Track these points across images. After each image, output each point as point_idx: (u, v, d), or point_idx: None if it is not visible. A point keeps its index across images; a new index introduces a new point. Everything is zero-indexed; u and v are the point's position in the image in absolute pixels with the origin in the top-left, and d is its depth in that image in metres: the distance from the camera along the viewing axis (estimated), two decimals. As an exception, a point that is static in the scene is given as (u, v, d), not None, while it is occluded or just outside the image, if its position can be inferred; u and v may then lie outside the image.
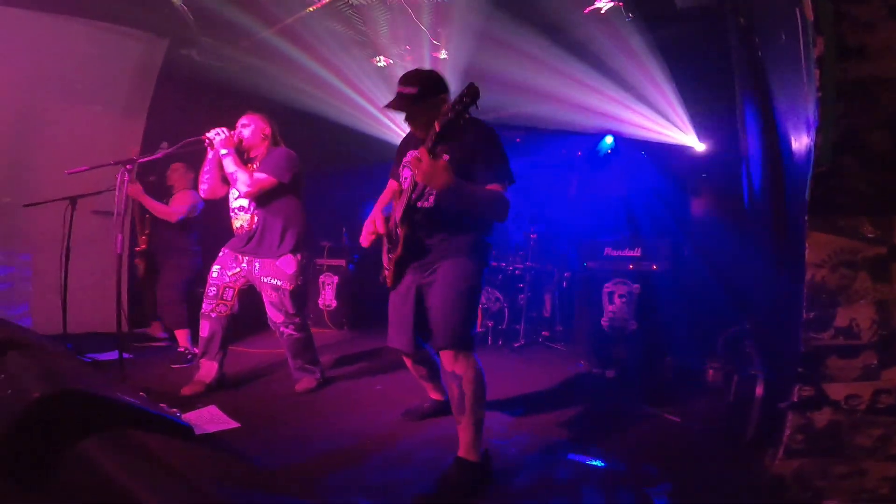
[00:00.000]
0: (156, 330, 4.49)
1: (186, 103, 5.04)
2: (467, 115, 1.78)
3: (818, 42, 1.63)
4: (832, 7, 1.59)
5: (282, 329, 3.12)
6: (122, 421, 1.46)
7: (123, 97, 4.83)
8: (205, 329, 3.11)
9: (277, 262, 3.05)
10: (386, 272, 2.28)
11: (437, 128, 1.81)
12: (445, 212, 2.06)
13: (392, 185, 2.50)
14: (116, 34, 4.62)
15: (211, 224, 4.11)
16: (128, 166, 2.79)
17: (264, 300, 3.11)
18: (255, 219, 3.07)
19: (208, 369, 3.11)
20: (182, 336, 3.89)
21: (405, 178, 2.20)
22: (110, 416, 1.48)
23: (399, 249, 2.13)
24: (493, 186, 2.02)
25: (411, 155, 2.15)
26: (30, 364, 1.80)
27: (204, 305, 3.12)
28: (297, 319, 3.12)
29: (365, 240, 2.30)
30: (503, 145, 2.11)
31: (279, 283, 3.05)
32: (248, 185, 2.93)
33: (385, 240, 2.28)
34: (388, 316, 2.36)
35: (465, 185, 1.93)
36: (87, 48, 4.49)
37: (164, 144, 3.77)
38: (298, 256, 3.10)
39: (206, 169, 3.10)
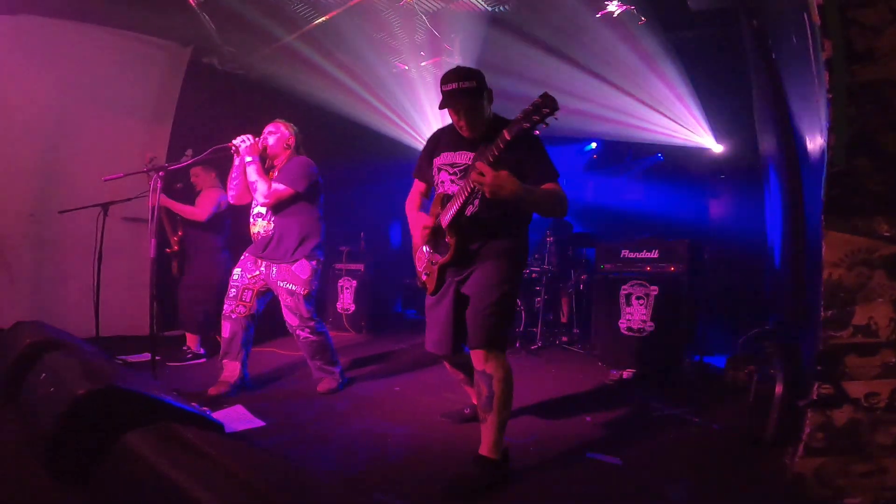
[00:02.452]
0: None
1: (210, 110, 5.17)
2: (531, 126, 1.79)
3: (826, 46, 1.66)
4: (839, 12, 1.62)
5: (297, 332, 3.20)
6: (159, 417, 1.54)
7: (149, 105, 4.96)
8: (226, 330, 3.20)
9: (293, 267, 3.13)
10: (424, 277, 2.27)
11: (508, 136, 1.83)
12: (490, 216, 2.10)
13: (419, 185, 2.44)
14: (141, 43, 4.76)
15: (238, 227, 4.21)
16: (160, 173, 2.88)
17: (281, 304, 3.18)
18: (272, 225, 3.16)
19: (231, 370, 3.19)
20: (191, 337, 4.02)
21: (442, 182, 2.20)
22: (150, 411, 1.57)
23: (449, 257, 2.12)
24: (549, 185, 2.05)
25: (447, 157, 2.19)
26: (70, 363, 1.90)
27: (225, 307, 3.21)
28: (311, 323, 3.19)
29: (420, 239, 2.27)
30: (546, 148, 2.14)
31: (294, 287, 3.13)
32: (266, 196, 3.04)
33: (423, 246, 2.28)
34: (426, 319, 2.36)
35: (530, 190, 1.94)
36: (113, 57, 4.63)
37: (189, 151, 3.90)
38: (314, 262, 3.19)
39: (233, 176, 3.20)
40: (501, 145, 1.86)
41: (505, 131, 1.85)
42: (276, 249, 3.15)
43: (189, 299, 4.04)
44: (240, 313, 3.19)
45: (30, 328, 2.74)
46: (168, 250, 4.18)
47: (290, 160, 3.21)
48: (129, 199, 3.51)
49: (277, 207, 3.14)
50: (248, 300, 3.20)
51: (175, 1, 4.09)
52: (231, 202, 3.32)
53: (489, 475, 2.00)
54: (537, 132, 1.94)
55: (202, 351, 4.03)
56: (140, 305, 4.65)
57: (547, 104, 1.76)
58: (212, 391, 3.09)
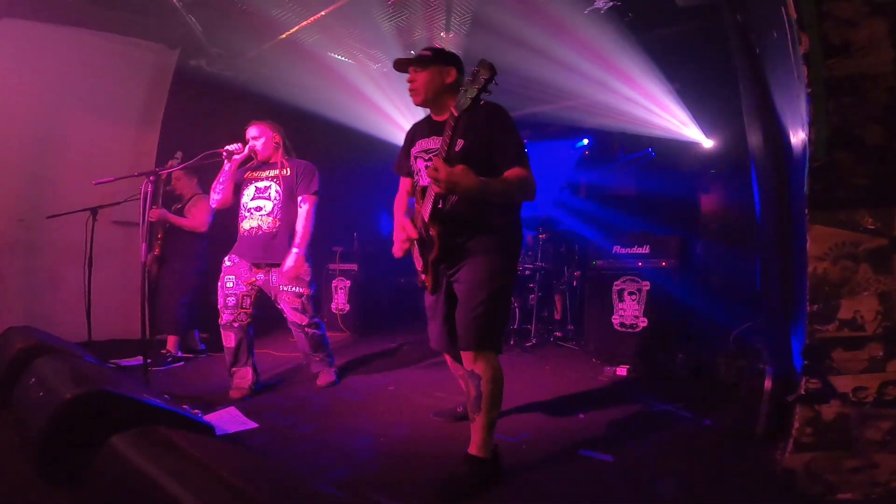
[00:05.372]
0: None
1: (198, 113, 5.15)
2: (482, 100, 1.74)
3: (803, 40, 1.67)
4: (814, 5, 1.63)
5: (307, 330, 3.29)
6: (148, 420, 1.54)
7: (137, 108, 4.95)
8: (230, 339, 3.18)
9: None
10: (423, 276, 2.18)
11: (455, 112, 1.76)
12: (471, 206, 2.01)
13: (405, 183, 2.41)
14: (128, 45, 4.74)
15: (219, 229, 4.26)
16: (150, 177, 2.88)
17: (285, 307, 3.22)
18: (278, 223, 3.16)
19: (243, 375, 3.21)
20: (170, 340, 4.10)
21: (419, 171, 2.18)
22: (137, 414, 1.57)
23: (435, 250, 2.03)
24: (515, 170, 1.96)
25: (421, 145, 2.17)
26: (59, 368, 1.90)
27: (225, 316, 3.17)
28: (316, 319, 3.33)
29: (399, 250, 2.23)
30: (514, 123, 2.06)
31: (300, 289, 3.21)
32: (314, 215, 3.20)
33: (416, 244, 2.19)
34: (427, 317, 2.31)
35: (488, 183, 1.86)
36: (100, 60, 4.61)
37: (179, 154, 3.91)
38: (310, 263, 3.25)
39: (221, 180, 3.17)
40: (449, 132, 1.81)
41: (452, 108, 1.78)
42: (276, 249, 3.13)
43: (170, 301, 4.09)
44: (242, 321, 3.18)
45: (21, 333, 2.73)
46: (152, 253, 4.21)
47: (294, 164, 3.24)
48: (118, 203, 3.51)
49: (289, 208, 3.19)
50: (248, 306, 3.21)
51: (160, 3, 4.06)
52: (214, 206, 3.27)
53: (478, 474, 1.99)
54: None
55: (180, 353, 4.12)
56: (131, 309, 4.67)
57: (483, 71, 1.68)
58: (233, 395, 3.13)
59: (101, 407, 1.59)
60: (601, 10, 3.79)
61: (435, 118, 2.18)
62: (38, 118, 4.42)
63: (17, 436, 1.96)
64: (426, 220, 2.02)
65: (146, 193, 2.82)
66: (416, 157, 2.21)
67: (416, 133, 2.28)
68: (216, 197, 3.20)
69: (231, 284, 3.18)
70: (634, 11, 3.91)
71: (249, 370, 3.22)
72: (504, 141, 2.00)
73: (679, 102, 4.93)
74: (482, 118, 1.98)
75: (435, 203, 1.97)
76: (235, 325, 3.16)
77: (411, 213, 2.24)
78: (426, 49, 2.13)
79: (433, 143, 2.12)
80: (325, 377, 3.43)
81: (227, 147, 3.09)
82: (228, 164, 3.14)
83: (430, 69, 2.10)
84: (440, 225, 2.00)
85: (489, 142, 1.99)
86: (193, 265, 4.18)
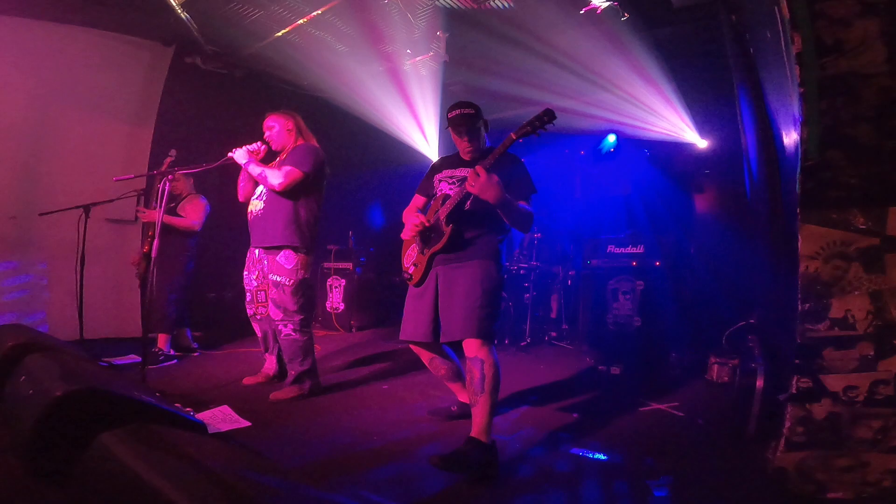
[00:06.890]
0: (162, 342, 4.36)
1: (193, 110, 5.13)
2: (536, 134, 2.21)
3: (796, 39, 1.68)
4: (807, 5, 1.64)
5: (280, 327, 3.06)
6: (138, 417, 1.53)
7: (131, 105, 4.91)
8: (257, 330, 3.40)
9: (278, 258, 3.05)
10: (412, 270, 2.51)
11: (514, 136, 2.21)
12: (482, 214, 2.38)
13: (418, 200, 2.69)
14: (123, 43, 4.71)
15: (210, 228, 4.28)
16: (169, 176, 2.97)
17: (269, 298, 3.14)
18: (263, 205, 3.09)
19: (270, 363, 3.40)
20: (161, 339, 4.05)
21: (441, 189, 2.54)
22: (128, 412, 1.56)
23: (442, 243, 2.37)
24: (524, 203, 2.39)
25: (447, 173, 2.55)
26: (49, 365, 1.89)
27: (247, 310, 3.34)
28: (296, 318, 3.05)
29: (409, 232, 2.50)
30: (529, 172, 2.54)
31: (280, 278, 3.04)
32: (280, 178, 2.97)
33: (415, 240, 2.52)
34: (405, 311, 2.54)
35: (509, 200, 2.26)
36: (94, 58, 4.59)
37: (173, 152, 3.90)
38: (301, 254, 3.06)
39: (241, 178, 3.26)
40: (508, 143, 2.22)
41: (512, 133, 2.21)
42: (264, 232, 3.07)
43: (160, 299, 4.04)
44: (262, 314, 3.28)
45: (12, 331, 2.70)
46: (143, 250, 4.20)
47: (297, 146, 3.16)
48: (111, 201, 3.49)
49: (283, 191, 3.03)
50: (263, 300, 3.25)
51: (156, 0, 4.04)
52: (241, 200, 3.32)
53: (481, 456, 2.05)
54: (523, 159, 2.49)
55: (172, 352, 4.08)
56: (124, 307, 4.65)
57: (547, 115, 2.19)
58: (247, 381, 3.30)
59: (92, 404, 1.58)
60: (598, 9, 3.79)
61: (464, 157, 2.53)
62: (32, 115, 4.39)
63: (7, 433, 1.94)
64: (442, 217, 2.40)
65: (163, 191, 2.92)
66: (440, 181, 2.56)
67: (443, 164, 2.67)
68: (241, 193, 3.29)
69: (246, 279, 3.29)
70: (630, 11, 3.91)
71: (274, 359, 3.38)
72: (520, 182, 2.44)
73: (674, 103, 4.95)
74: (508, 163, 2.44)
75: (456, 206, 2.35)
76: (257, 317, 3.32)
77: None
78: (467, 108, 2.46)
79: (460, 172, 2.48)
80: (282, 393, 3.03)
81: (248, 147, 3.09)
82: (244, 165, 3.08)
83: (478, 124, 2.48)
84: (454, 223, 2.36)
85: (509, 180, 2.37)
86: (182, 263, 4.15)
